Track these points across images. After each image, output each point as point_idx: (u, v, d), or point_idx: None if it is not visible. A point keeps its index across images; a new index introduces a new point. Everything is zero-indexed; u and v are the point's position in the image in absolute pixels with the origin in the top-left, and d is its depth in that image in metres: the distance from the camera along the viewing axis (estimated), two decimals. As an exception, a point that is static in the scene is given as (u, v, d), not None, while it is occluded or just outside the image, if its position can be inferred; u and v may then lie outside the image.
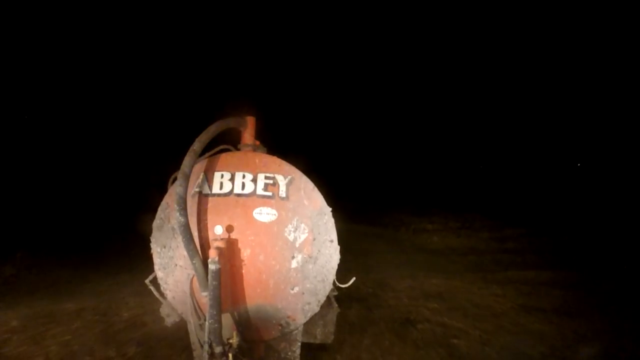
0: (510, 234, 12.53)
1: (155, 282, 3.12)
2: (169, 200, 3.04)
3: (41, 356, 4.46)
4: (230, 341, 2.90)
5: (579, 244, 10.68)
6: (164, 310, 3.18)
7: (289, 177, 3.11)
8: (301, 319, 3.12)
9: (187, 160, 2.67)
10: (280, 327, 3.10)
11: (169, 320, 3.20)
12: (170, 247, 3.03)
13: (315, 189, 3.16)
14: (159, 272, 3.08)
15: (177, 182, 2.62)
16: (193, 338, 3.06)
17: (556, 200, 15.28)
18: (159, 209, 3.09)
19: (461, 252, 10.90)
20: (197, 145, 2.74)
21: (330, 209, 3.15)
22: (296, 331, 3.22)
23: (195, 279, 2.84)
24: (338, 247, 3.12)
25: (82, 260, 8.80)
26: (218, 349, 2.79)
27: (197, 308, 2.98)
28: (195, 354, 3.11)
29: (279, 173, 3.10)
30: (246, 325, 3.03)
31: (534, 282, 7.76)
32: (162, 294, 3.12)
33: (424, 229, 14.18)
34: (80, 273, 7.67)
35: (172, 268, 3.04)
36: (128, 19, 14.78)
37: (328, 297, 3.27)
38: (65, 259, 8.76)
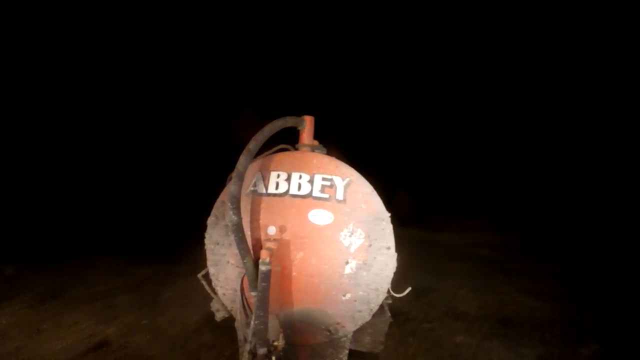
0: (547, 233, 13.16)
1: (207, 277, 3.03)
2: (224, 198, 2.93)
3: (171, 292, 6.20)
4: (276, 344, 2.77)
5: (600, 245, 11.26)
6: (214, 306, 3.10)
7: (347, 179, 2.89)
8: (351, 327, 2.92)
9: (242, 159, 2.52)
10: (328, 333, 2.91)
11: (219, 315, 3.12)
12: (223, 244, 2.92)
13: (374, 192, 2.92)
14: (211, 268, 2.98)
15: (232, 181, 2.48)
16: (240, 335, 2.96)
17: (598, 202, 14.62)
18: (214, 206, 2.99)
19: (493, 247, 11.23)
20: (252, 145, 2.57)
21: (388, 214, 2.90)
22: (344, 338, 3.02)
23: (246, 277, 2.71)
24: (395, 255, 2.87)
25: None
26: (262, 351, 2.66)
27: (246, 307, 2.86)
28: (240, 350, 3.01)
29: (336, 175, 2.89)
30: (293, 328, 2.87)
31: (546, 274, 8.41)
32: (213, 290, 3.03)
33: (469, 227, 14.33)
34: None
35: (224, 265, 2.93)
36: (184, 19, 14.91)
37: (381, 306, 3.05)
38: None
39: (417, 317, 5.68)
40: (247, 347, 2.67)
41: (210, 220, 2.98)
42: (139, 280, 6.84)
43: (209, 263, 2.99)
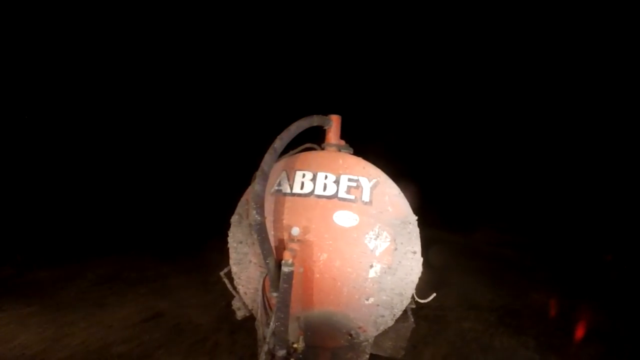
0: (572, 234, 13.30)
1: (229, 275, 2.98)
2: (248, 197, 2.87)
3: (219, 275, 6.24)
4: (295, 346, 2.71)
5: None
6: (235, 304, 3.05)
7: (374, 180, 2.78)
8: (372, 332, 2.82)
9: (267, 158, 2.44)
10: (349, 337, 2.82)
11: (239, 314, 3.07)
12: (247, 243, 2.85)
13: (401, 194, 2.81)
14: (233, 267, 2.93)
15: (256, 180, 2.41)
16: (260, 335, 2.91)
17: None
18: (238, 204, 2.93)
19: (517, 247, 11.49)
20: (277, 143, 2.48)
21: (415, 217, 2.79)
22: (366, 343, 2.94)
23: (267, 277, 2.65)
24: (421, 260, 2.77)
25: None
26: (281, 352, 2.61)
27: (267, 307, 2.80)
28: (259, 350, 2.96)
29: (363, 175, 2.78)
30: (314, 330, 2.79)
31: (564, 274, 8.93)
32: (234, 288, 2.99)
33: (495, 227, 14.39)
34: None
35: (247, 264, 2.87)
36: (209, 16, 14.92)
37: (405, 311, 2.95)
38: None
39: (431, 306, 5.91)
40: (266, 347, 2.61)
41: (234, 218, 2.93)
42: (188, 267, 7.47)
43: (231, 261, 2.94)
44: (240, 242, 2.88)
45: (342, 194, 2.73)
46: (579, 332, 5.92)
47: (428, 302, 5.46)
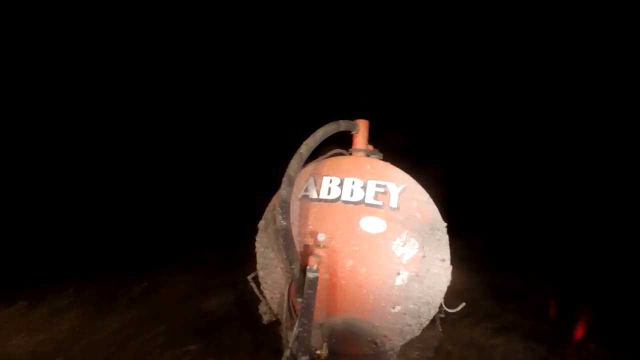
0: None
1: (256, 280, 2.95)
2: (276, 202, 2.84)
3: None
4: (318, 352, 2.64)
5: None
6: (262, 308, 3.02)
7: (402, 186, 2.69)
8: (399, 341, 2.72)
9: (293, 163, 2.39)
10: (374, 346, 2.73)
11: (266, 318, 3.03)
12: (273, 248, 2.82)
13: (430, 200, 2.70)
14: (260, 271, 2.90)
15: (282, 186, 2.37)
16: (284, 340, 2.86)
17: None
18: (266, 210, 2.90)
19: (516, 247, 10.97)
20: (304, 149, 2.43)
21: (445, 224, 2.68)
22: (391, 352, 2.84)
23: (293, 282, 2.61)
24: (450, 268, 2.65)
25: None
26: (304, 358, 2.55)
27: (292, 312, 2.75)
28: (284, 355, 2.92)
29: (391, 181, 2.69)
30: (338, 338, 2.71)
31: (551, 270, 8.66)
32: (261, 292, 2.95)
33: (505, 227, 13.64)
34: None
35: (272, 269, 2.83)
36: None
37: (432, 320, 2.83)
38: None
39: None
40: (287, 352, 2.57)
41: (261, 224, 2.90)
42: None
43: (258, 266, 2.90)
44: (267, 247, 2.85)
45: (369, 199, 2.65)
46: (551, 309, 6.21)
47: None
